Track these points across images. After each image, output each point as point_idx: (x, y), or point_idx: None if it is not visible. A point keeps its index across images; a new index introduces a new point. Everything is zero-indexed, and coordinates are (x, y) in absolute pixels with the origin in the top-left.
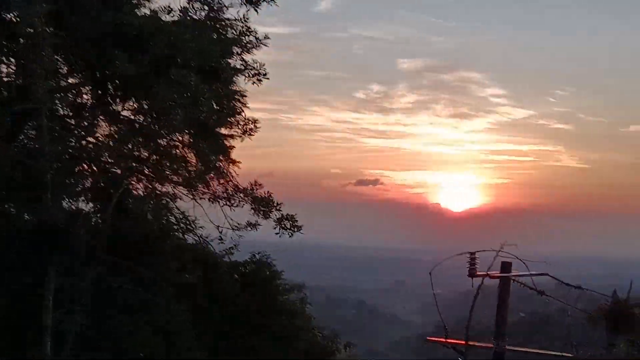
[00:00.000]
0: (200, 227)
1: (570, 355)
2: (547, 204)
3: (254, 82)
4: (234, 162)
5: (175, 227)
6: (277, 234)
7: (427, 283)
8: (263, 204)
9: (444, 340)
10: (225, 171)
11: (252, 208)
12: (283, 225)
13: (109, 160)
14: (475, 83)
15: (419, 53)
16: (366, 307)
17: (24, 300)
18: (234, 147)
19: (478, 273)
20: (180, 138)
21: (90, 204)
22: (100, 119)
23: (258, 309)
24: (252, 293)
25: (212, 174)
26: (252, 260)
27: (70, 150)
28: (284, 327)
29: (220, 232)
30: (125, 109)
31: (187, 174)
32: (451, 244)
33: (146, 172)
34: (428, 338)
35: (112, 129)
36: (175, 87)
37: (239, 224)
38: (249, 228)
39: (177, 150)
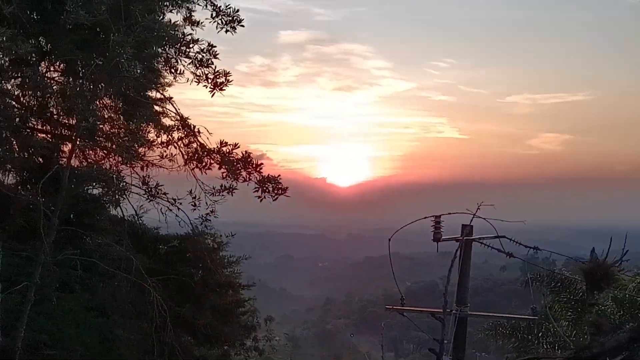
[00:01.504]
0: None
1: (535, 317)
2: (432, 176)
3: (228, 30)
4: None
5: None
6: (258, 197)
7: (313, 257)
8: (240, 165)
9: (402, 308)
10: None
11: (224, 169)
12: (265, 188)
13: (36, 126)
14: (358, 55)
15: (302, 25)
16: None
17: None
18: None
19: (443, 237)
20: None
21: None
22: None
23: (200, 281)
24: (195, 265)
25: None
26: (193, 232)
27: None
28: (226, 301)
29: (194, 198)
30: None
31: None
32: (337, 219)
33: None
34: (387, 307)
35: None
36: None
37: (213, 188)
38: (224, 193)
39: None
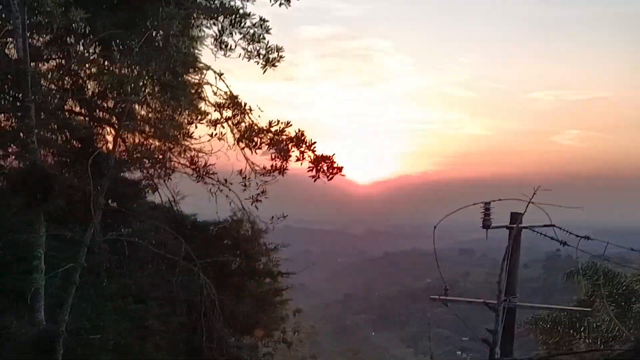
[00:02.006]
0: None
1: (588, 309)
2: (453, 172)
3: (282, 3)
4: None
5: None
6: (312, 177)
7: (332, 253)
8: (292, 144)
9: (447, 298)
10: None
11: (274, 149)
12: (320, 168)
13: (73, 109)
14: (379, 51)
15: (323, 21)
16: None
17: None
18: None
19: (493, 225)
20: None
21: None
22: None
23: (239, 268)
24: (233, 252)
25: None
26: (232, 218)
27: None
28: (265, 289)
29: (244, 178)
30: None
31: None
32: (356, 215)
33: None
34: (432, 297)
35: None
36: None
37: (264, 168)
38: (275, 173)
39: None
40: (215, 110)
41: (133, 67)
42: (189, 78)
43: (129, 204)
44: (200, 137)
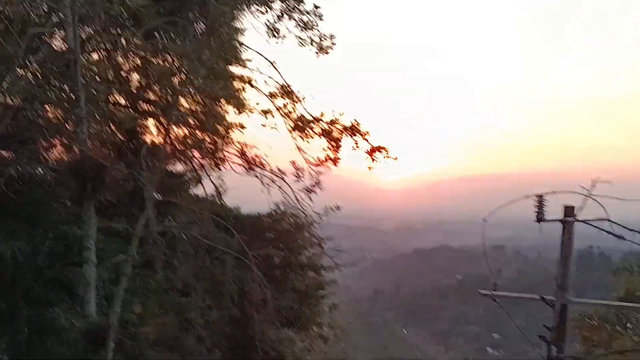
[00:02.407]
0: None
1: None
2: (479, 168)
3: None
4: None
5: (190, 175)
6: (369, 167)
7: (361, 248)
8: (348, 133)
9: (496, 293)
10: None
11: (328, 139)
12: (374, 158)
13: (118, 101)
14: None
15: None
16: None
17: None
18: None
19: (547, 218)
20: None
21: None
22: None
23: (282, 261)
24: (276, 245)
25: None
26: (275, 212)
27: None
28: (307, 283)
29: (297, 169)
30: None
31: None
32: (385, 210)
33: (159, 114)
34: (480, 291)
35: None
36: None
37: (317, 158)
38: (327, 163)
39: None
40: (267, 99)
41: (179, 58)
42: (235, 69)
43: (174, 196)
44: (245, 129)
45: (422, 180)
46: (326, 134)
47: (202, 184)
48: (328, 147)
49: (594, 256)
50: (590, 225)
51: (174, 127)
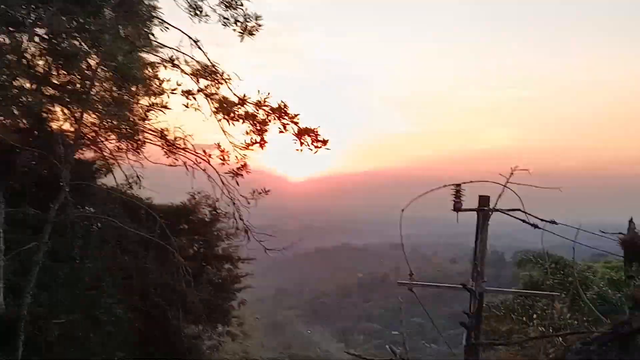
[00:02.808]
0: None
1: (556, 294)
2: (384, 169)
3: None
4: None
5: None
6: (298, 150)
7: (259, 247)
8: (275, 116)
9: (414, 283)
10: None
11: (250, 123)
12: (303, 141)
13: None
14: (313, 46)
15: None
16: None
17: None
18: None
19: (464, 207)
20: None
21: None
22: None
23: (197, 254)
24: (191, 237)
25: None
26: (190, 202)
27: None
28: (223, 275)
29: (222, 152)
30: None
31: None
32: (288, 210)
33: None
34: (399, 282)
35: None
36: None
37: (244, 142)
38: (254, 146)
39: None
40: (190, 79)
41: (81, 43)
42: (147, 55)
43: (83, 185)
44: (169, 109)
45: (325, 179)
46: (250, 117)
47: (112, 173)
48: (252, 131)
49: (490, 253)
50: (507, 214)
51: (84, 112)
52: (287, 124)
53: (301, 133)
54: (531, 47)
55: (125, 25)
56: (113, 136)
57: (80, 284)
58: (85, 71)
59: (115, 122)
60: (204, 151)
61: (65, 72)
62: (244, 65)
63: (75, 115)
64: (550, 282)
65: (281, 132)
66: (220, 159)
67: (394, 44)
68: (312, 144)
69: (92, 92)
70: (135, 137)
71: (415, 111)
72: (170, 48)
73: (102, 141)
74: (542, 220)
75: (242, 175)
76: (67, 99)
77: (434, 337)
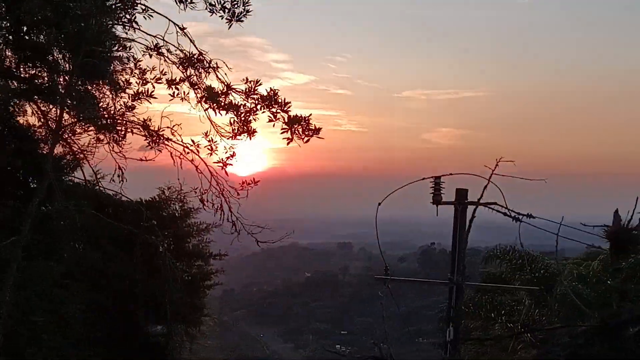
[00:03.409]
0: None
1: (536, 287)
2: (330, 167)
3: None
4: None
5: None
6: (287, 139)
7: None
8: (265, 104)
9: (388, 277)
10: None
11: (233, 113)
12: (294, 130)
13: None
14: (257, 48)
15: (198, 16)
16: None
17: None
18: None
19: (444, 200)
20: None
21: None
22: None
23: (167, 250)
24: (160, 233)
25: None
26: (160, 197)
27: None
28: (193, 272)
29: (210, 141)
30: None
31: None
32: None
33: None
34: (376, 277)
35: None
36: None
37: (233, 130)
38: (241, 136)
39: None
40: (176, 68)
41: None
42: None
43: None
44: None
45: (270, 178)
46: (234, 107)
47: (82, 169)
48: (236, 121)
49: (435, 253)
50: (485, 206)
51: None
52: (277, 112)
53: (292, 122)
54: (473, 49)
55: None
56: (80, 131)
57: (47, 282)
58: (53, 65)
59: (82, 117)
60: (192, 141)
61: (30, 65)
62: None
63: (43, 109)
64: (517, 278)
65: (271, 120)
66: (208, 149)
67: (336, 43)
68: (303, 133)
69: (59, 87)
70: (115, 129)
71: (359, 110)
72: (154, 36)
73: (70, 136)
74: (519, 214)
75: (231, 164)
76: (34, 94)
77: (382, 336)
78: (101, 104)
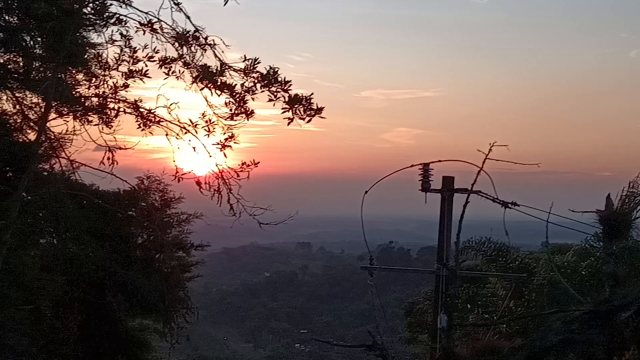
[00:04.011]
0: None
1: (523, 275)
2: (289, 167)
3: None
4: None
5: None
6: (288, 119)
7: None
8: (264, 83)
9: (374, 267)
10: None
11: (227, 94)
12: (296, 110)
13: None
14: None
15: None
16: None
17: None
18: None
19: (432, 187)
20: None
21: None
22: None
23: (145, 241)
24: (139, 224)
25: None
26: (139, 187)
27: None
28: (173, 264)
29: (207, 122)
30: None
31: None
32: (192, 209)
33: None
34: (362, 266)
35: None
36: None
37: (230, 111)
38: (239, 117)
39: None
40: (171, 46)
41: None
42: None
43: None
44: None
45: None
46: (228, 87)
47: (58, 159)
48: (232, 102)
49: (394, 251)
50: (479, 195)
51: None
52: (277, 92)
53: (293, 102)
54: (432, 49)
55: None
56: (64, 115)
57: (25, 273)
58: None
59: (65, 102)
60: (190, 120)
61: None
62: None
63: (17, 96)
64: (492, 269)
65: (270, 100)
66: (206, 130)
67: (294, 42)
68: (304, 112)
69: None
70: (105, 109)
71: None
72: (146, 13)
73: (44, 123)
74: (503, 202)
75: (230, 146)
76: (7, 80)
77: (341, 334)
78: (88, 85)
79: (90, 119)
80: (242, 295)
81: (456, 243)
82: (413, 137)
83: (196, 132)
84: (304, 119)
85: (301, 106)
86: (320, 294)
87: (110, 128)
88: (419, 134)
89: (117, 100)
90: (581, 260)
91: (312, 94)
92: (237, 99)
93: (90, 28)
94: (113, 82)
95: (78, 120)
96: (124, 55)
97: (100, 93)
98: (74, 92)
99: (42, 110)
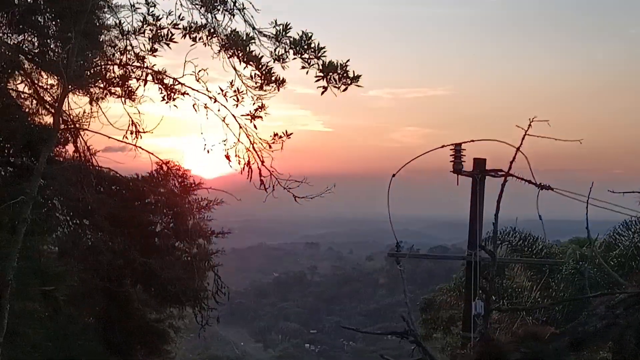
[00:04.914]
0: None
1: (561, 261)
2: (298, 168)
3: None
4: None
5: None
6: (321, 87)
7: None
8: (296, 50)
9: (408, 254)
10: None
11: (253, 66)
12: (330, 78)
13: None
14: None
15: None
16: None
17: None
18: None
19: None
20: None
21: None
22: None
23: (165, 229)
24: (159, 211)
25: None
26: (158, 173)
27: None
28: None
29: (235, 92)
30: None
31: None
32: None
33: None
34: (389, 253)
35: None
36: None
37: (261, 80)
38: (269, 86)
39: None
40: (200, 10)
41: None
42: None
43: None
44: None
45: (235, 178)
46: (254, 58)
47: (74, 143)
48: (257, 75)
49: (402, 251)
50: (518, 177)
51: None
52: (310, 59)
53: (327, 69)
54: (441, 48)
55: None
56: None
57: (42, 261)
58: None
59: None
60: (220, 88)
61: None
62: None
63: (32, 77)
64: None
65: (303, 67)
66: (234, 100)
67: None
68: (339, 81)
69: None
70: (127, 79)
71: (325, 110)
72: None
73: (60, 106)
74: (540, 184)
75: (260, 117)
76: (23, 60)
77: (351, 334)
78: (108, 57)
79: (112, 90)
80: (252, 295)
81: (494, 224)
82: (422, 137)
83: (226, 100)
84: (338, 87)
85: (336, 74)
86: (330, 294)
87: (133, 101)
88: (428, 133)
89: (142, 67)
90: (609, 251)
91: (348, 60)
92: (264, 72)
93: None
94: (135, 53)
95: (97, 101)
96: (146, 23)
97: (124, 62)
98: (94, 67)
99: (59, 92)
